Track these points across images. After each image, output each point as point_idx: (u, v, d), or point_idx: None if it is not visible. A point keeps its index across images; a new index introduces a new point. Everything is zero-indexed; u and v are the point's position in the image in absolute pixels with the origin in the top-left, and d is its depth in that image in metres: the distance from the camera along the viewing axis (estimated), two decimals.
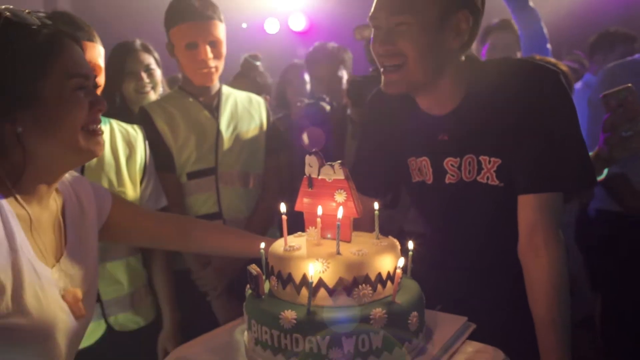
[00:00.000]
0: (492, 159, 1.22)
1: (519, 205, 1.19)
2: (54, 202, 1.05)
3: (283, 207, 0.97)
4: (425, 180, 1.32)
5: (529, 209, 1.17)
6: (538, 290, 1.14)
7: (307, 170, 0.97)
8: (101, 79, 1.50)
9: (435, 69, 1.19)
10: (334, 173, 0.95)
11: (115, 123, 1.61)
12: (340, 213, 0.91)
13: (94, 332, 1.46)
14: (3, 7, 0.92)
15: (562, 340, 1.10)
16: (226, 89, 1.93)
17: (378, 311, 0.86)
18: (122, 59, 2.04)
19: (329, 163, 0.96)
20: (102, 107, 0.98)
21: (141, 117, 1.79)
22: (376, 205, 0.99)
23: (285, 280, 0.91)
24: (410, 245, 0.98)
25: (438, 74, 1.20)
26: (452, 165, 1.27)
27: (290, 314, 0.86)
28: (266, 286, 0.98)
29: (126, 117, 1.91)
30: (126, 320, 1.52)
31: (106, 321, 1.48)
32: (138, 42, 2.12)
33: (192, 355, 0.98)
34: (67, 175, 1.11)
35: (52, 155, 0.96)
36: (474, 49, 2.64)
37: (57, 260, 1.01)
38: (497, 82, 1.20)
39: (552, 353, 1.09)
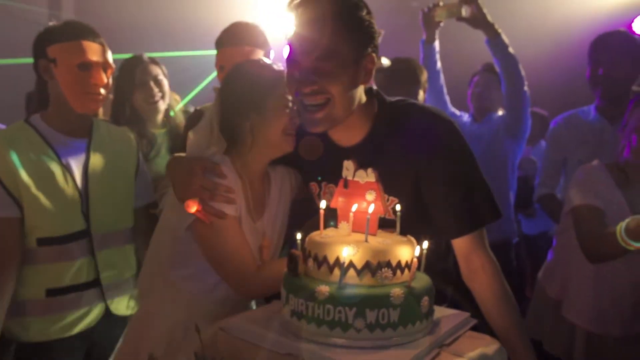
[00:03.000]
0: (391, 198, 1.31)
1: (453, 242, 1.34)
2: (266, 180, 1.49)
3: (323, 204, 1.16)
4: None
5: (462, 245, 1.32)
6: (488, 305, 1.31)
7: (344, 173, 1.17)
8: None
9: (352, 106, 1.28)
10: (367, 176, 1.14)
11: (111, 127, 1.85)
12: (370, 209, 1.10)
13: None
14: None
15: (525, 339, 1.28)
16: None
17: (397, 290, 1.04)
18: (132, 70, 2.23)
19: (362, 168, 1.16)
20: (297, 119, 1.38)
21: (197, 116, 1.95)
22: (398, 207, 1.18)
23: (321, 261, 1.09)
24: (425, 244, 1.15)
25: (352, 110, 1.29)
26: None
27: (324, 288, 1.04)
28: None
29: (136, 125, 2.13)
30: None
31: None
32: (146, 55, 2.33)
33: (234, 325, 1.15)
34: (281, 167, 1.53)
35: (265, 144, 1.41)
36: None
37: (259, 218, 1.45)
38: (397, 126, 1.31)
39: (523, 352, 1.27)
